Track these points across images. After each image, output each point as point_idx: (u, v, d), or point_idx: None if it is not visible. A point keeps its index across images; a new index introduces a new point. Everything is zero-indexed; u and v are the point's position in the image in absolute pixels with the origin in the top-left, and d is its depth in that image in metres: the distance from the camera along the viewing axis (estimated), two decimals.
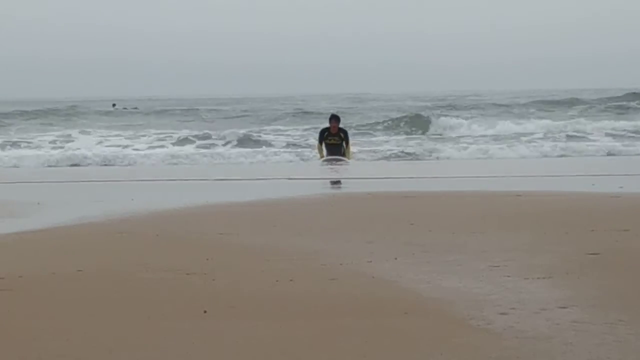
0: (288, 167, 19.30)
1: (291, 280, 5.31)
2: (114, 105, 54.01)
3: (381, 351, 3.79)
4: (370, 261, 5.95)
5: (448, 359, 3.67)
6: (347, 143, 19.65)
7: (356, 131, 29.20)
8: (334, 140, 19.60)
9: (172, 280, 5.35)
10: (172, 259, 6.07)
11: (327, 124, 19.94)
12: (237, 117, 40.87)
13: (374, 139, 28.56)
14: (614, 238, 6.70)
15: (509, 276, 5.34)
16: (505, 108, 40.72)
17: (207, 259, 6.04)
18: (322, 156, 19.82)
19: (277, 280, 5.30)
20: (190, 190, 13.05)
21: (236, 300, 4.76)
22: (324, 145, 19.71)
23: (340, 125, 19.96)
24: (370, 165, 19.98)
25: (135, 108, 49.98)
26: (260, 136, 28.00)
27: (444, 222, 7.77)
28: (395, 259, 6.01)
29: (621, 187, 11.24)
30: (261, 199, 10.36)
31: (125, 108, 51.03)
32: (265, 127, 32.54)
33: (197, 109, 46.74)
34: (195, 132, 28.66)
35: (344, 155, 19.57)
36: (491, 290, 4.95)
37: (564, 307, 4.49)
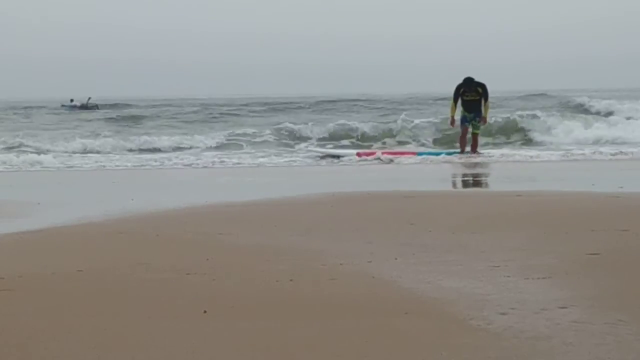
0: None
1: (291, 280, 5.31)
2: (71, 100, 49.80)
3: (381, 351, 3.79)
4: (370, 261, 5.95)
5: (448, 359, 3.67)
6: (485, 99, 17.71)
7: None
8: (472, 96, 17.73)
9: (172, 280, 5.35)
10: (172, 259, 6.07)
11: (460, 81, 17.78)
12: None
13: None
14: (614, 238, 6.70)
15: (509, 276, 5.34)
16: None
17: (207, 259, 6.04)
18: (452, 115, 17.77)
19: (277, 280, 5.29)
20: (191, 190, 13.04)
21: (236, 300, 4.76)
22: (460, 102, 17.68)
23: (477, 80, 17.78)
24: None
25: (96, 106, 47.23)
26: None
27: (444, 222, 7.77)
28: (395, 259, 6.01)
29: (621, 187, 11.24)
30: (261, 199, 10.35)
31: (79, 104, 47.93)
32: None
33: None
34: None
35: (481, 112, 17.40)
36: (491, 290, 4.95)
37: (564, 307, 4.49)
